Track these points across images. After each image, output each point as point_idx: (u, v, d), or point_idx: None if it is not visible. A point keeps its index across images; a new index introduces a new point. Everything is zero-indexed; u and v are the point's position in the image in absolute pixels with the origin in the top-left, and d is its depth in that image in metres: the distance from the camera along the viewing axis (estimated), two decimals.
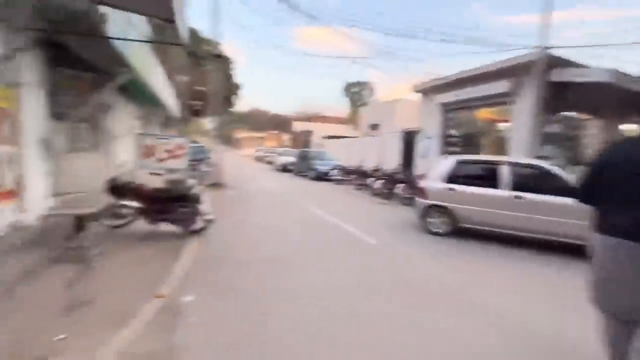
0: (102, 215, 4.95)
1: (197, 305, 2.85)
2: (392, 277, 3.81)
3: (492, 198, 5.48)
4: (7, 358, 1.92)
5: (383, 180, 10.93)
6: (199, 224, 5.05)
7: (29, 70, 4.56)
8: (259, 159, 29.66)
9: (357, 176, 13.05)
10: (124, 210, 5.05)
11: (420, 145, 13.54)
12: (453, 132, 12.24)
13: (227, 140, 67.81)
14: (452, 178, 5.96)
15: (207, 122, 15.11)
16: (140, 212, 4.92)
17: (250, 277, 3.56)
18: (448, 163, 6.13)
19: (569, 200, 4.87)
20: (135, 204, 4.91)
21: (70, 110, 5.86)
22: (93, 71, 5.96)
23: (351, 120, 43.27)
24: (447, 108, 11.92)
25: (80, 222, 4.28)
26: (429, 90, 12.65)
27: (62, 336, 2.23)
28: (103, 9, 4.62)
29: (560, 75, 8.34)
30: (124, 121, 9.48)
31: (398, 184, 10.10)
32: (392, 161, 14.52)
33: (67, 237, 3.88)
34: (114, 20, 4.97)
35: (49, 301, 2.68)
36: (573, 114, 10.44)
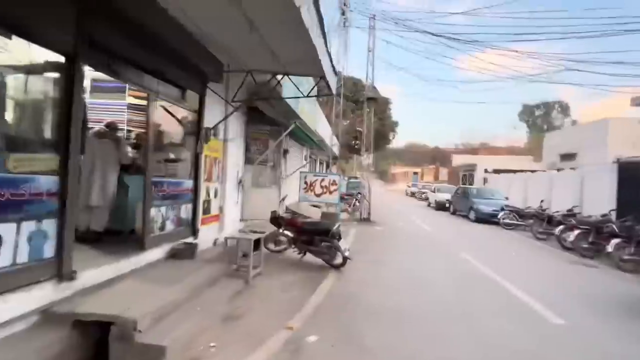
0: (267, 240, 5.96)
1: (319, 349, 2.79)
2: None
3: None
4: (176, 352, 2.47)
5: (581, 231, 7.92)
6: (338, 259, 5.19)
7: (234, 129, 6.33)
8: (412, 195, 28.65)
9: (537, 221, 10.13)
10: (282, 238, 5.90)
11: None
12: None
13: (383, 175, 70.15)
14: None
15: (365, 159, 16.28)
16: (293, 241, 5.60)
17: (378, 331, 3.21)
18: None
19: None
20: (289, 233, 5.65)
21: (256, 155, 7.66)
22: (271, 124, 7.65)
23: (530, 150, 35.27)
24: None
25: (252, 245, 5.29)
26: None
27: (213, 344, 2.68)
28: (279, 76, 5.94)
29: None
30: (296, 161, 11.58)
31: (610, 238, 7.02)
32: (598, 204, 10.41)
33: (241, 256, 4.84)
34: (287, 84, 6.27)
35: (215, 308, 3.34)
36: None
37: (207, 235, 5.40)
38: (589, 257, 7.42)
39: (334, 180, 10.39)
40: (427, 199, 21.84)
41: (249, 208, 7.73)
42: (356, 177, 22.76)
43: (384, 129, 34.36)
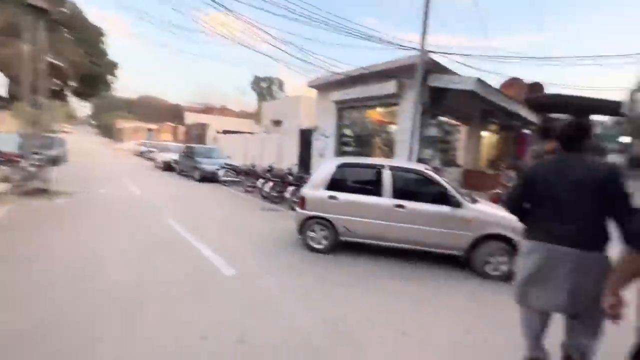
0: None
1: None
2: (237, 350, 2.55)
3: (374, 207, 4.85)
4: None
5: (274, 182, 9.75)
6: None
7: None
8: (141, 155, 24.87)
9: (247, 177, 11.55)
10: None
11: (317, 144, 12.94)
12: (347, 131, 12.00)
13: (107, 130, 56.37)
14: (335, 184, 5.13)
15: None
16: None
17: None
18: (329, 166, 5.27)
19: (444, 209, 4.57)
20: None
21: None
22: None
23: (256, 115, 41.22)
24: (340, 106, 11.56)
25: None
26: (323, 87, 12.10)
27: None
28: None
29: (436, 81, 8.66)
30: None
31: (289, 186, 9.07)
32: (291, 160, 13.55)
33: None
34: None
35: None
36: (447, 119, 11.36)
37: None
38: (277, 203, 9.30)
39: None
40: (153, 159, 19.57)
41: None
42: (53, 132, 16.12)
43: (99, 68, 26.55)
